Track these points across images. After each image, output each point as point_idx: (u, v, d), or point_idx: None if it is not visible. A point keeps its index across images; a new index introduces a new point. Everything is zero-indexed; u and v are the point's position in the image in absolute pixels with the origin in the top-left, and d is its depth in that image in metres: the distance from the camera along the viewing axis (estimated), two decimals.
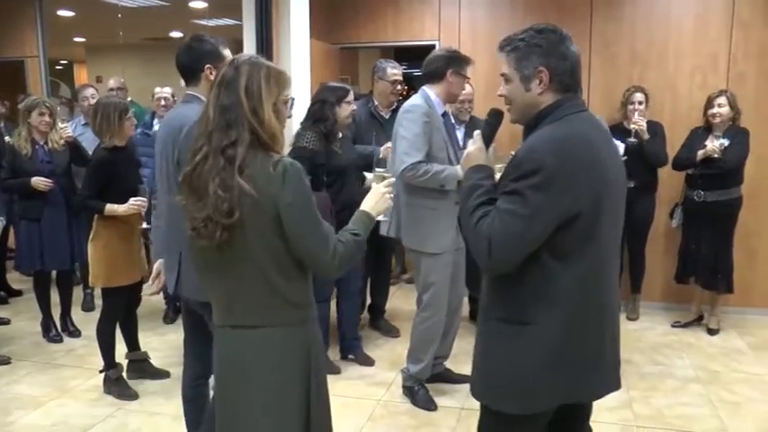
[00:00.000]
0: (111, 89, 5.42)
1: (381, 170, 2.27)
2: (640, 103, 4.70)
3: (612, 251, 1.84)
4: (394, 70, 4.50)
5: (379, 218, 2.04)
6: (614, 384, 1.89)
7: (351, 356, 4.16)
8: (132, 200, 3.55)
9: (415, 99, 3.39)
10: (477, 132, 1.96)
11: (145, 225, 3.69)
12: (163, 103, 4.99)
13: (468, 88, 4.31)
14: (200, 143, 1.74)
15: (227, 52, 2.54)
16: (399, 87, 4.53)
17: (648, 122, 4.61)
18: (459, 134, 4.48)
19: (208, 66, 2.50)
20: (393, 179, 2.16)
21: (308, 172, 1.91)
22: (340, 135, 3.96)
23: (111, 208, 3.52)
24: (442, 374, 3.76)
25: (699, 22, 4.98)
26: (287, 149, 4.31)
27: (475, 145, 1.93)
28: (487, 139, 1.95)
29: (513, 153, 1.75)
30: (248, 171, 1.68)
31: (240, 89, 1.70)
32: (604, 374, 1.84)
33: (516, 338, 1.76)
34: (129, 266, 3.66)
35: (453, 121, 4.42)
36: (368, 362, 4.13)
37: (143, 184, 3.68)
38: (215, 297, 1.87)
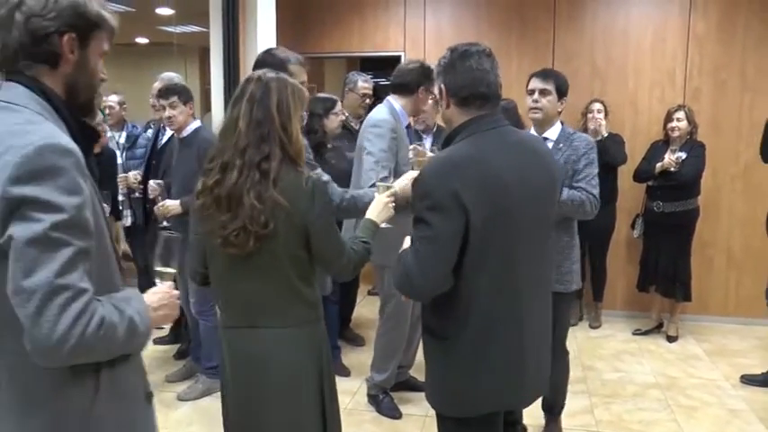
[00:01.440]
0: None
1: (383, 183, 2.32)
2: (599, 111, 4.80)
3: (532, 267, 1.86)
4: (365, 84, 4.51)
5: (383, 225, 2.20)
6: (540, 391, 1.99)
7: None
8: None
9: (381, 112, 3.29)
10: (408, 238, 2.01)
11: None
12: (108, 111, 4.75)
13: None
14: (227, 156, 1.81)
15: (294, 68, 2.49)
16: (368, 101, 4.53)
17: (609, 134, 4.73)
18: (427, 143, 4.52)
19: None
20: (396, 189, 2.24)
21: None
22: (330, 146, 3.96)
23: None
24: (407, 382, 3.77)
25: (656, 39, 5.14)
26: None
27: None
28: None
29: None
30: (281, 185, 1.78)
31: (272, 106, 1.80)
32: (528, 384, 1.90)
33: (440, 351, 1.87)
34: None
35: (422, 128, 4.46)
36: (343, 372, 4.10)
37: (107, 191, 3.55)
38: (232, 299, 1.94)
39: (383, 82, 4.05)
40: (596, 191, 2.88)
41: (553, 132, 2.99)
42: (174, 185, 3.60)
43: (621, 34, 5.20)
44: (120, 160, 4.66)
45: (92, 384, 1.27)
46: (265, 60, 2.53)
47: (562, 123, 3.03)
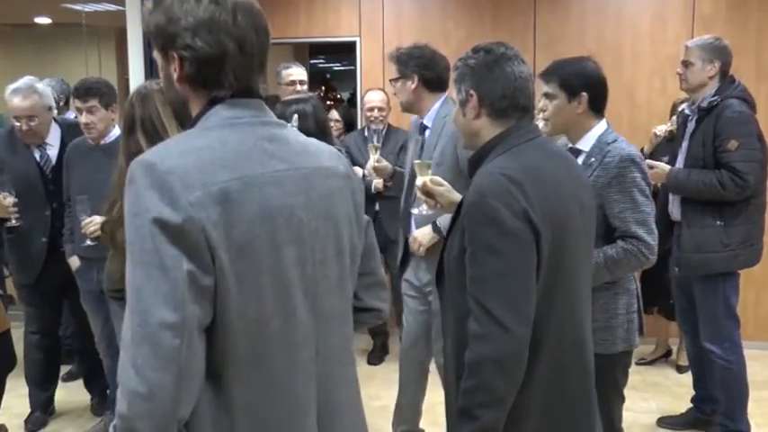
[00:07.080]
0: None
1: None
2: None
3: (587, 304, 1.75)
4: (288, 70, 4.23)
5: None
6: None
7: None
8: None
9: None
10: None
11: None
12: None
13: (378, 95, 4.25)
14: (113, 196, 1.86)
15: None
16: (300, 87, 4.13)
17: None
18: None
19: None
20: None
21: None
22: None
23: None
24: None
25: (656, 21, 4.74)
26: None
27: None
28: None
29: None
30: None
31: (137, 130, 1.81)
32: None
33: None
34: None
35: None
36: None
37: None
38: None
39: (337, 67, 3.61)
40: (649, 235, 2.21)
41: (586, 142, 2.37)
42: (91, 201, 2.99)
43: (615, 15, 4.76)
44: None
45: None
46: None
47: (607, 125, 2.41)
